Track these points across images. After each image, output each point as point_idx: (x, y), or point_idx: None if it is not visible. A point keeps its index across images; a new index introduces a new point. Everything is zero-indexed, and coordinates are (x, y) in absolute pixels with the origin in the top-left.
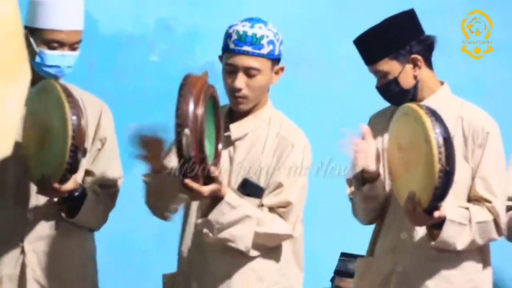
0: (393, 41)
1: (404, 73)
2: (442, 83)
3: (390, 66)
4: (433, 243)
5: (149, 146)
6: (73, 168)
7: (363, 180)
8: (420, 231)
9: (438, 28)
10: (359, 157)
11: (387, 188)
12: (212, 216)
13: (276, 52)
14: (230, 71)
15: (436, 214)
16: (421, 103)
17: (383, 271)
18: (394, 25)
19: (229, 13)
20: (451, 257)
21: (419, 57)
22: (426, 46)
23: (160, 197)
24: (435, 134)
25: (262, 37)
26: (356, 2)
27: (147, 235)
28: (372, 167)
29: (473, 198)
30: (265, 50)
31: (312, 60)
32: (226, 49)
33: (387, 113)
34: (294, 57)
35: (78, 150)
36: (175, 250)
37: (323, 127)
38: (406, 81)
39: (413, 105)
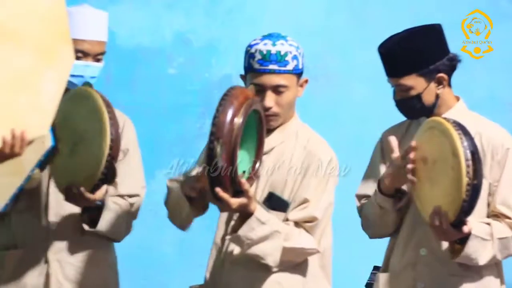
0: (423, 58)
1: (428, 90)
2: (458, 98)
3: (416, 82)
4: (456, 259)
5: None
6: (106, 178)
7: (384, 194)
8: (440, 247)
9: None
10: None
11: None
12: (242, 232)
13: (300, 66)
14: (258, 90)
15: (466, 229)
16: (447, 117)
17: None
18: (423, 41)
19: (246, 26)
20: (471, 272)
21: (445, 76)
22: (452, 66)
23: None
24: (463, 148)
25: (286, 53)
26: (372, 14)
27: (169, 245)
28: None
29: (492, 214)
30: (290, 66)
31: (329, 73)
32: (250, 69)
33: (401, 129)
34: (311, 71)
35: (114, 160)
36: (197, 260)
37: (341, 139)
38: (428, 98)
39: (439, 119)
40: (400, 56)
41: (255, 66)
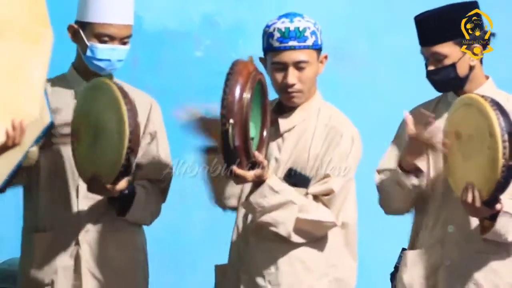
0: (460, 26)
1: (463, 60)
2: (487, 77)
3: (452, 50)
4: (486, 235)
5: (211, 125)
6: (127, 170)
7: (403, 170)
8: (468, 224)
9: None
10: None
11: (431, 178)
12: (252, 198)
13: (319, 42)
14: (279, 68)
15: (498, 206)
16: (482, 94)
17: (430, 265)
18: (461, 10)
19: (273, 7)
20: (499, 249)
21: (481, 48)
22: (486, 40)
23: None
24: (500, 129)
25: (304, 29)
26: None
27: (196, 227)
28: (421, 161)
29: None
30: (310, 42)
31: (356, 55)
32: (269, 48)
33: (428, 108)
34: (338, 53)
35: (133, 152)
36: (224, 241)
37: (368, 122)
38: (463, 69)
39: (476, 96)
40: (437, 22)
41: (274, 45)
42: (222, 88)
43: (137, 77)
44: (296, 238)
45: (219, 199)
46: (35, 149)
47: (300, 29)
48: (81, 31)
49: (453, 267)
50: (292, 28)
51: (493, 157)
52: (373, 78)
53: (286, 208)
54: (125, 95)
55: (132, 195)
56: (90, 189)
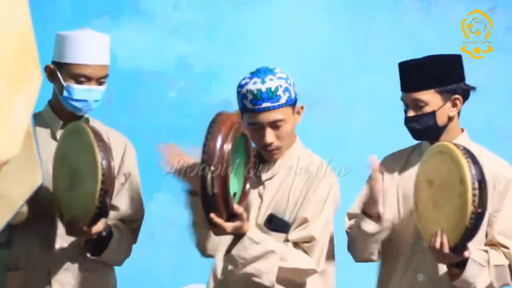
0: (443, 76)
1: (443, 109)
2: (462, 130)
3: (433, 98)
4: (455, 282)
5: (192, 169)
6: (102, 211)
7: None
8: (437, 273)
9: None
10: (379, 193)
11: (400, 227)
12: (235, 252)
13: (293, 96)
14: (256, 128)
15: (466, 253)
16: (455, 143)
17: None
18: (444, 62)
19: (247, 53)
20: None
21: (461, 99)
22: (466, 94)
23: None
24: (471, 177)
25: (277, 89)
26: (374, 42)
27: (163, 268)
28: (380, 208)
29: (490, 243)
30: (283, 100)
31: (330, 99)
32: (244, 109)
33: (404, 154)
34: (309, 98)
35: (107, 194)
36: (188, 280)
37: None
38: (442, 118)
39: (449, 144)
40: (420, 70)
41: (249, 107)
42: (196, 130)
43: (111, 114)
44: (277, 287)
45: (200, 244)
46: (25, 209)
47: (272, 89)
48: (57, 72)
49: None
50: (264, 90)
51: (462, 204)
52: (344, 121)
53: (268, 258)
54: (99, 138)
55: (108, 236)
56: (69, 231)
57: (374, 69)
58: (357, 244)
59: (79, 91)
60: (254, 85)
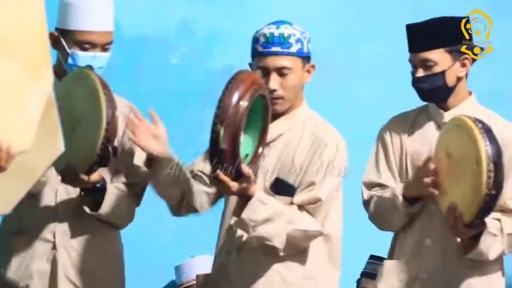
0: (453, 36)
1: (452, 69)
2: (470, 93)
3: (442, 58)
4: (469, 254)
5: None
6: (102, 160)
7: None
8: (445, 238)
9: None
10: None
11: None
12: (245, 215)
13: (305, 50)
14: (263, 74)
15: (482, 227)
16: (475, 118)
17: (407, 277)
18: (453, 23)
19: (250, 17)
20: (475, 265)
21: (470, 60)
22: (475, 54)
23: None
24: (486, 158)
25: (289, 36)
26: (377, 8)
27: (165, 234)
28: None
29: (501, 209)
30: (294, 49)
31: (334, 67)
32: (255, 53)
33: (410, 116)
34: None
35: (109, 143)
36: (192, 249)
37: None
38: (451, 79)
39: (468, 120)
40: (429, 30)
41: (259, 49)
42: (199, 95)
43: (113, 82)
44: (284, 251)
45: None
46: (45, 179)
47: (285, 35)
48: (61, 39)
49: (429, 281)
50: (276, 34)
51: (477, 184)
52: (351, 89)
53: (277, 219)
54: (104, 86)
55: (104, 190)
56: (64, 179)
57: (378, 36)
58: (387, 220)
59: (84, 58)
60: (268, 30)
